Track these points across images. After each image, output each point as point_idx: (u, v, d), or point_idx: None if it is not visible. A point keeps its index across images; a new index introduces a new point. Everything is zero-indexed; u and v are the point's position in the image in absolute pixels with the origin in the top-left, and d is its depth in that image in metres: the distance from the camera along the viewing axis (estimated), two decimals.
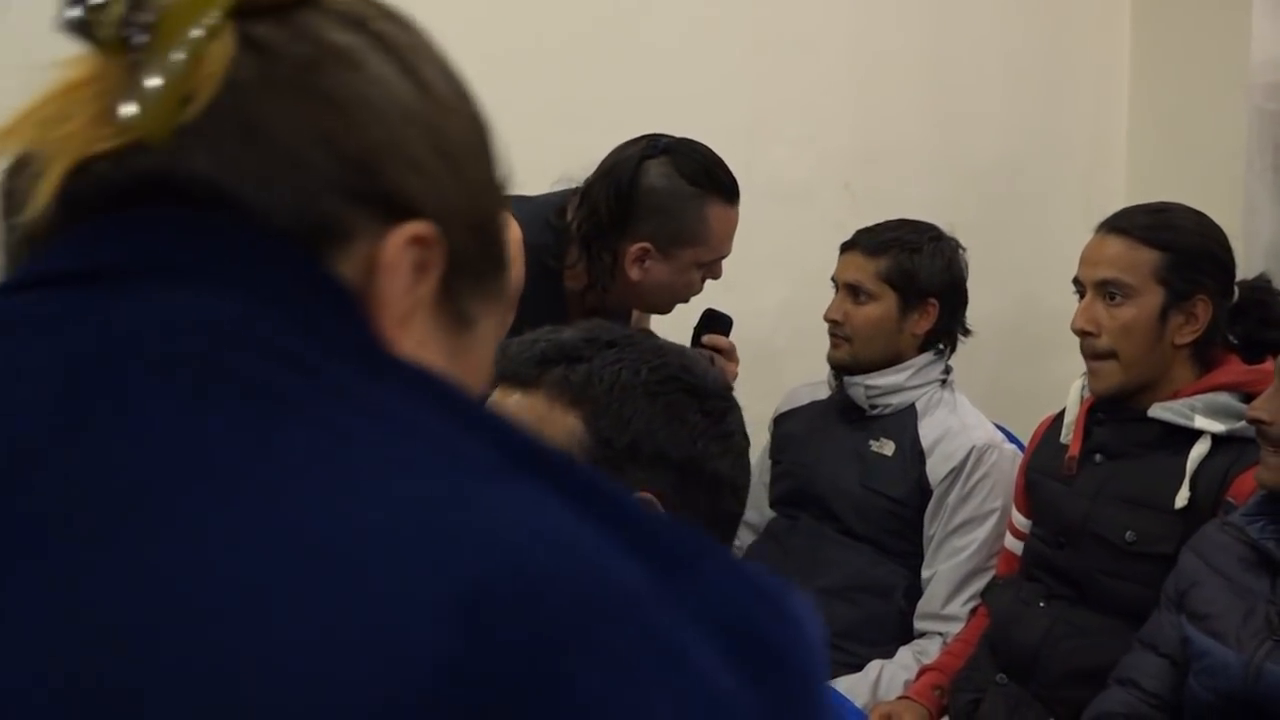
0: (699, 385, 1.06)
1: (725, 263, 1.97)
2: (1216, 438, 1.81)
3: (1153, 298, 1.85)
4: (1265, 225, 2.74)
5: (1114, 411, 1.92)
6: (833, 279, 2.24)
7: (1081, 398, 1.97)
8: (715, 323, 2.05)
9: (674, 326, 2.02)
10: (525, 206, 1.90)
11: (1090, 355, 1.90)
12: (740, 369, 2.03)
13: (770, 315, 2.67)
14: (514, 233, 1.86)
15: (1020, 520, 2.07)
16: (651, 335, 1.12)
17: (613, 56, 2.66)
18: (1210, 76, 2.84)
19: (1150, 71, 3.01)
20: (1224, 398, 1.84)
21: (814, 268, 2.43)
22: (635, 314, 2.14)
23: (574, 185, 1.91)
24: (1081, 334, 1.90)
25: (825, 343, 2.28)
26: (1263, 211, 2.74)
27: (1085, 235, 1.96)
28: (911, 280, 2.16)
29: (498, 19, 2.62)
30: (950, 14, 2.84)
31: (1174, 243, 1.86)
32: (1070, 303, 1.95)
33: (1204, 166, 2.76)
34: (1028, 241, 2.92)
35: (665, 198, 1.84)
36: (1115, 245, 1.87)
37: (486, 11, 2.63)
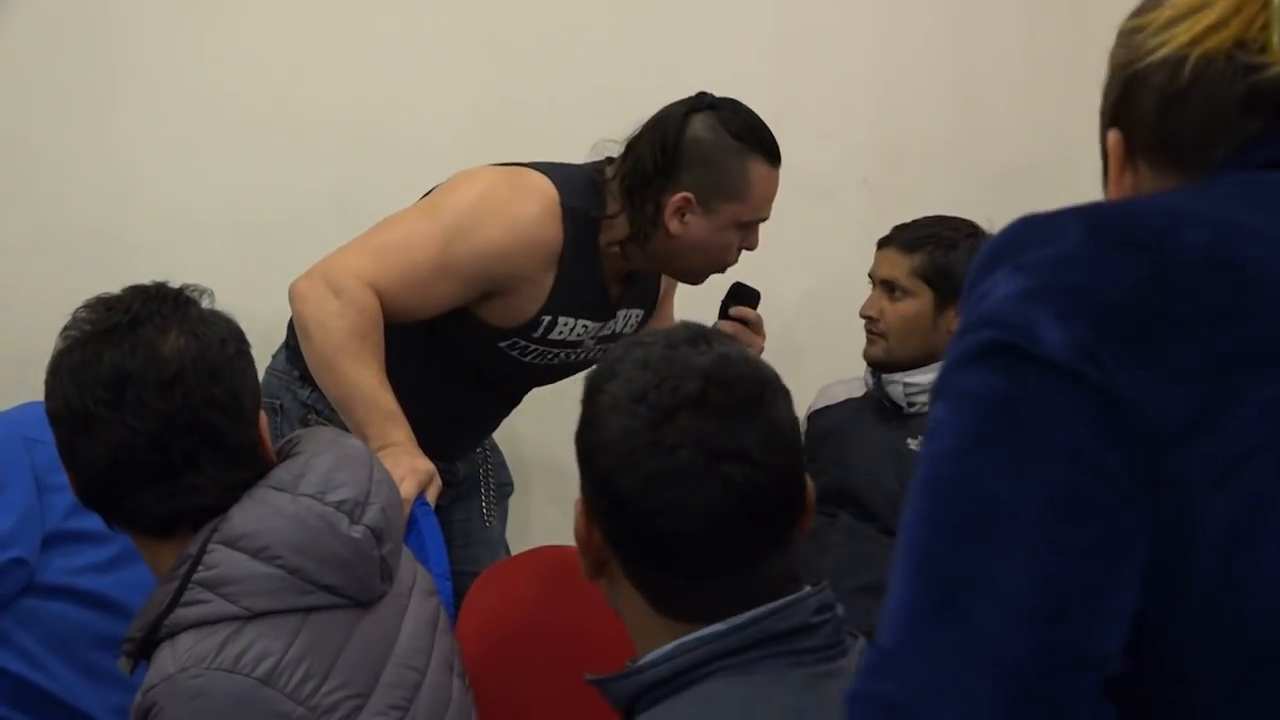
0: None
1: (745, 255, 1.96)
2: None
3: None
4: None
5: None
6: (869, 275, 2.23)
7: None
8: (743, 296, 2.04)
9: (703, 303, 2.01)
10: (562, 171, 1.90)
11: None
12: None
13: (790, 309, 2.66)
14: (548, 196, 1.85)
15: None
16: (645, 342, 1.09)
17: (635, 48, 2.63)
18: None
19: None
20: None
21: (834, 263, 2.42)
22: (664, 285, 2.12)
23: (610, 155, 1.93)
24: None
25: (846, 338, 2.26)
26: None
27: None
28: (947, 277, 2.14)
29: (527, 13, 2.59)
30: (974, 12, 2.83)
31: None
32: None
33: None
34: None
35: (710, 149, 1.86)
36: None
37: (516, 6, 2.60)
